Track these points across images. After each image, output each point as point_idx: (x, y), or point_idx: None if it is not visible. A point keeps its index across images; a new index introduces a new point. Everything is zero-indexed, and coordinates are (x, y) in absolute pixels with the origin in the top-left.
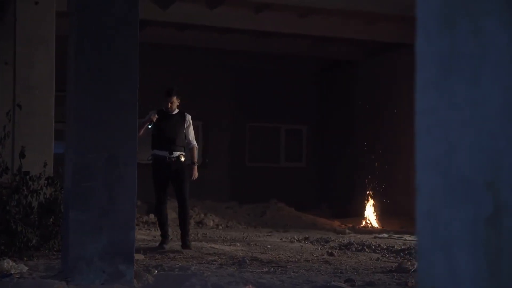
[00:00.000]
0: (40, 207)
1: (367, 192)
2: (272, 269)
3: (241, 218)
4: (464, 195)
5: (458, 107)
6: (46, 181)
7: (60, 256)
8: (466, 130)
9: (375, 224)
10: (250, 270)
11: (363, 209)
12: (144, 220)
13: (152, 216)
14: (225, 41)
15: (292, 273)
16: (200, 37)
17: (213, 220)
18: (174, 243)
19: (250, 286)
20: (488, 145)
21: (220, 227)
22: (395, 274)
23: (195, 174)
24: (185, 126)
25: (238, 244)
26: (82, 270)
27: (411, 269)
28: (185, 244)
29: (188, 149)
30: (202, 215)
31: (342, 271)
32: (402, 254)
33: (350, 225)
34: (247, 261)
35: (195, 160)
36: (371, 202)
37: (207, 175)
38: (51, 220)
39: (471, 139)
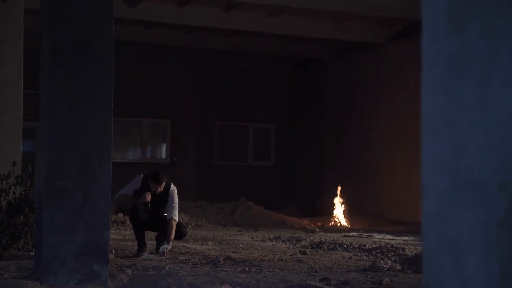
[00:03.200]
0: (9, 206)
1: (335, 191)
2: (246, 268)
3: (210, 217)
4: (474, 196)
5: (467, 108)
6: (15, 180)
7: (30, 256)
8: (476, 132)
9: (343, 222)
10: (225, 269)
11: (331, 207)
12: (113, 219)
13: (121, 215)
14: (194, 40)
15: (267, 272)
16: (168, 35)
17: (182, 219)
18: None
19: (226, 285)
20: (499, 147)
21: (190, 226)
22: (369, 272)
23: (166, 249)
24: (168, 201)
25: (210, 243)
26: (56, 271)
27: (385, 267)
28: (158, 249)
29: (166, 219)
30: None
31: (317, 270)
32: (374, 252)
33: (319, 224)
34: (221, 261)
35: (172, 236)
36: (339, 200)
37: (175, 174)
38: (20, 219)
39: (481, 140)
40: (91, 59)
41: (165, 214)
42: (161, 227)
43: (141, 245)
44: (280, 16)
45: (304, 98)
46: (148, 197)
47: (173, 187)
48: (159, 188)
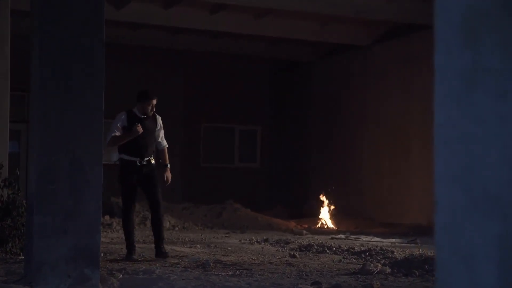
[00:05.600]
0: None
1: (322, 193)
2: (237, 272)
3: (197, 219)
4: (489, 210)
5: (482, 121)
6: (2, 183)
7: (18, 259)
8: (492, 145)
9: (330, 224)
10: (216, 273)
11: (318, 209)
12: None
13: (108, 217)
14: (180, 41)
15: (258, 276)
16: (154, 37)
17: (169, 222)
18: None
19: None
20: None
21: (177, 229)
22: (359, 276)
23: (169, 176)
24: (157, 129)
25: (199, 246)
26: (46, 275)
27: (375, 271)
28: (161, 252)
29: (158, 150)
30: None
31: (307, 273)
32: (363, 255)
33: (306, 226)
34: (211, 264)
35: (167, 161)
36: (325, 202)
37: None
38: (8, 222)
39: (497, 153)
40: (82, 62)
41: (149, 158)
42: (149, 189)
43: (131, 247)
44: (266, 18)
45: (290, 100)
46: (140, 128)
47: (158, 117)
48: (153, 106)
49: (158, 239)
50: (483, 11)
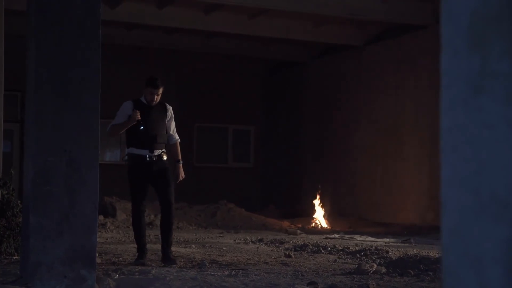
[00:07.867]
0: None
1: (315, 193)
2: (233, 272)
3: (191, 219)
4: (497, 214)
5: (490, 125)
6: None
7: (13, 260)
8: (500, 149)
9: (324, 224)
10: (212, 273)
11: (311, 209)
12: None
13: (101, 217)
14: (174, 41)
15: (254, 276)
16: (148, 37)
17: None
18: (129, 245)
19: None
20: None
21: None
22: (355, 276)
23: (182, 173)
24: (167, 120)
25: (193, 246)
26: (42, 276)
27: (370, 271)
28: (168, 258)
29: (170, 145)
30: (152, 216)
31: (303, 273)
32: (358, 255)
33: (300, 226)
34: (207, 264)
35: (180, 157)
36: (319, 202)
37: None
38: (2, 223)
39: (506, 157)
40: (78, 62)
41: (161, 152)
42: (161, 185)
43: (142, 250)
44: (259, 18)
45: (283, 100)
46: (136, 114)
47: (168, 106)
48: (157, 96)
49: (166, 243)
50: (491, 16)
